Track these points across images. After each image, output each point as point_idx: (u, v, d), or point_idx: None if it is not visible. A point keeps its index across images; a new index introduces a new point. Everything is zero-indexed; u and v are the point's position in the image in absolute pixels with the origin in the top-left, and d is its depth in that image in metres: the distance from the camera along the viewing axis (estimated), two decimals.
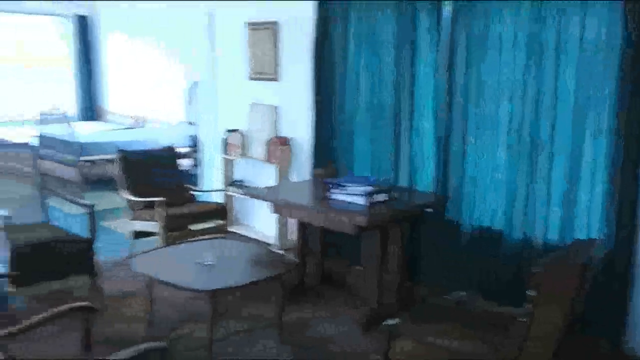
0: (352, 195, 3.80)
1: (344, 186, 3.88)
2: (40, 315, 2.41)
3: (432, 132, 4.28)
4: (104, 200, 6.07)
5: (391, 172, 4.53)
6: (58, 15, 9.57)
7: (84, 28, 9.62)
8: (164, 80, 8.70)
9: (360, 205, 3.71)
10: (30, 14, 9.33)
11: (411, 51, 4.30)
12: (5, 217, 3.78)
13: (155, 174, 5.17)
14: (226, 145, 5.81)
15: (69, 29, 9.65)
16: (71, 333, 2.71)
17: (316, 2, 4.82)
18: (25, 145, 4.90)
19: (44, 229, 4.23)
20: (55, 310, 2.40)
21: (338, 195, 3.87)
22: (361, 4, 4.58)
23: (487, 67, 3.90)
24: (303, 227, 4.39)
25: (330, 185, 3.95)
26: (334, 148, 4.90)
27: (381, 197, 3.83)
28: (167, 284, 3.23)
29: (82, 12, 9.53)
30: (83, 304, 2.47)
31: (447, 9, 4.07)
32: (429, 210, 4.21)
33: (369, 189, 3.79)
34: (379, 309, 3.82)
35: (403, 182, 4.46)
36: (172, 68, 8.53)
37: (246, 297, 4.10)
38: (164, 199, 4.71)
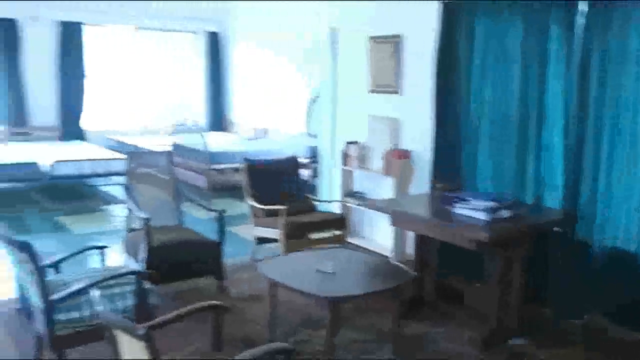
0: (474, 210, 3.72)
1: (465, 200, 3.81)
2: (176, 312, 2.58)
3: (561, 146, 4.10)
4: (228, 206, 6.38)
5: (516, 188, 4.39)
6: (192, 32, 10.23)
7: (214, 44, 10.21)
8: (286, 93, 9.02)
9: (483, 220, 3.63)
10: (168, 30, 10.06)
11: (540, 62, 4.15)
12: (145, 219, 4.09)
13: (278, 183, 5.38)
14: (345, 157, 5.91)
15: (201, 45, 10.28)
16: (198, 331, 2.87)
17: (440, 15, 4.80)
18: (163, 153, 5.26)
19: (179, 232, 4.53)
20: (190, 307, 2.57)
21: (459, 210, 3.81)
22: (488, 14, 4.49)
23: (625, 78, 3.68)
24: (421, 240, 4.36)
25: (452, 199, 3.90)
26: (455, 161, 4.83)
27: (505, 213, 3.72)
28: (290, 289, 3.34)
29: (213, 28, 10.13)
30: (217, 302, 2.62)
31: (580, 17, 3.89)
32: (556, 229, 4.02)
33: (492, 204, 3.70)
34: (499, 328, 3.70)
35: (528, 198, 4.30)
36: (294, 81, 8.82)
37: (361, 308, 4.14)
38: (286, 207, 4.88)
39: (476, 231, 3.50)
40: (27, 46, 8.61)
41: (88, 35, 9.15)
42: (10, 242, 2.93)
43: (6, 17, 8.36)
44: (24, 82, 8.62)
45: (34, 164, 6.81)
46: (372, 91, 5.74)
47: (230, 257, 4.82)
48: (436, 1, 4.79)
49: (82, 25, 9.00)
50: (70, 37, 8.87)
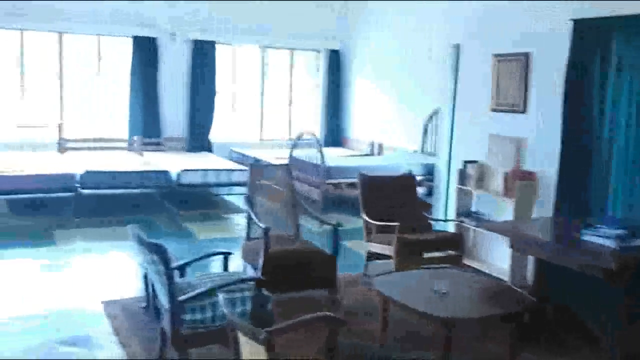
0: (602, 237, 3.52)
1: (593, 227, 3.61)
2: (295, 320, 2.65)
3: None
4: (342, 220, 6.45)
5: None
6: (315, 50, 10.53)
7: (334, 61, 10.43)
8: (403, 109, 9.02)
9: (612, 248, 3.42)
10: (291, 49, 10.43)
11: None
12: (265, 229, 4.25)
13: (393, 200, 5.37)
14: (462, 176, 5.80)
15: (321, 61, 10.55)
16: (308, 340, 2.92)
17: (571, 33, 4.61)
18: (281, 166, 5.46)
19: (295, 242, 4.66)
20: (309, 317, 2.63)
21: (585, 236, 3.62)
22: (623, 31, 4.25)
23: None
24: (542, 265, 4.17)
25: (577, 225, 3.70)
26: (583, 184, 4.58)
27: (637, 242, 3.48)
28: (404, 307, 3.33)
29: (335, 46, 10.36)
30: (334, 315, 2.66)
31: None
32: None
33: (623, 231, 3.47)
34: None
35: None
36: (411, 98, 8.80)
37: (474, 332, 4.02)
38: (400, 224, 4.86)
39: (604, 259, 3.30)
40: (164, 63, 9.27)
41: (220, 54, 9.69)
42: (145, 244, 3.16)
43: (149, 35, 9.05)
44: (160, 96, 9.28)
45: (166, 172, 7.30)
46: (494, 110, 5.60)
47: (342, 270, 4.87)
48: (567, 19, 4.61)
49: (215, 44, 9.53)
50: (203, 55, 9.43)
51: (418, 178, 7.16)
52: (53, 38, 8.85)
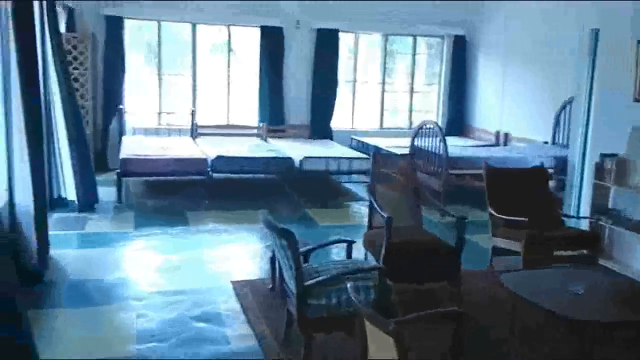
0: None
1: None
2: (421, 313, 2.64)
3: None
4: (464, 212, 6.29)
5: None
6: (439, 36, 10.30)
7: (460, 48, 10.14)
8: (531, 98, 8.60)
9: None
10: (416, 35, 10.28)
11: None
12: (387, 219, 4.24)
13: (522, 193, 5.15)
14: (599, 170, 5.43)
15: (445, 48, 10.30)
16: (431, 332, 2.88)
17: None
18: (404, 156, 5.42)
19: (418, 233, 4.62)
20: (435, 311, 2.61)
21: None
22: None
23: None
24: None
25: None
26: None
27: None
28: (535, 305, 3.19)
29: (459, 32, 10.07)
30: (461, 311, 2.61)
31: None
32: None
33: None
34: None
35: None
36: (541, 86, 8.38)
37: (610, 336, 3.77)
38: (529, 219, 4.65)
39: None
40: (289, 52, 9.49)
41: (342, 42, 9.76)
42: (274, 229, 3.27)
43: (275, 25, 9.32)
44: (284, 84, 9.54)
45: (289, 158, 7.51)
46: (638, 100, 5.18)
47: (465, 264, 4.75)
48: None
49: (339, 33, 9.62)
50: (326, 43, 9.55)
51: (549, 170, 6.83)
52: (187, 28, 9.37)
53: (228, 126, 9.46)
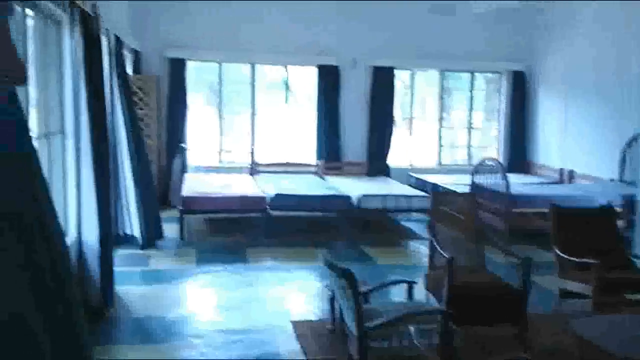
0: None
1: None
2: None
3: None
4: (529, 253, 6.09)
5: None
6: (496, 72, 10.20)
7: (519, 83, 10.00)
8: (596, 134, 8.35)
9: None
10: (473, 71, 10.21)
11: None
12: (449, 259, 4.15)
13: (590, 233, 4.96)
14: None
15: (503, 84, 10.18)
16: None
17: None
18: (464, 194, 5.32)
19: (481, 275, 4.50)
20: (501, 358, 2.51)
21: None
22: None
23: None
24: None
25: None
26: None
27: None
28: (609, 353, 3.02)
29: (518, 68, 9.95)
30: (528, 358, 2.50)
31: None
32: None
33: None
34: None
35: None
36: (605, 121, 8.13)
37: None
38: (599, 261, 4.46)
39: None
40: (346, 89, 9.60)
41: (398, 78, 9.80)
42: (335, 269, 3.26)
43: (332, 63, 9.46)
44: (341, 121, 9.62)
45: (348, 196, 7.50)
46: None
47: (531, 306, 4.57)
48: None
49: (394, 70, 9.67)
50: (382, 80, 9.61)
51: (617, 209, 6.57)
52: (246, 68, 9.63)
53: (286, 164, 9.58)
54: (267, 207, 7.27)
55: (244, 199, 7.31)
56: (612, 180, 8.02)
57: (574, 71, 8.84)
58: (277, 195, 7.30)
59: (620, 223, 6.79)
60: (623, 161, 7.92)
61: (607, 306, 4.28)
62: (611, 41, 7.87)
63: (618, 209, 6.80)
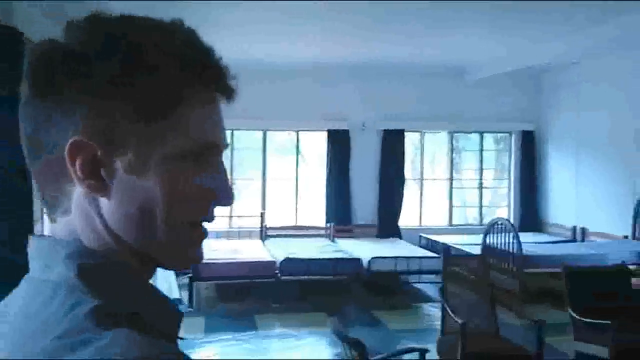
0: None
1: None
2: None
3: None
4: (542, 314, 5.98)
5: None
6: (506, 132, 10.28)
7: (528, 142, 10.05)
8: (607, 191, 8.31)
9: None
10: (481, 132, 10.30)
11: None
12: (461, 324, 4.07)
13: (604, 293, 4.86)
14: None
15: (512, 144, 10.24)
16: None
17: None
18: (478, 255, 5.28)
19: (494, 339, 4.40)
20: None
21: None
22: None
23: None
24: None
25: None
26: None
27: None
28: None
29: (528, 127, 10.03)
30: None
31: None
32: None
33: None
34: None
35: None
36: (615, 177, 8.11)
37: None
38: (613, 321, 4.35)
39: None
40: (356, 153, 9.69)
41: (407, 140, 9.90)
42: (344, 339, 3.21)
43: (342, 128, 9.59)
44: (351, 184, 9.67)
45: (358, 259, 7.45)
46: None
47: None
48: None
49: (404, 132, 9.78)
50: (392, 143, 9.71)
51: (632, 267, 6.45)
52: (257, 135, 9.78)
53: (296, 227, 9.57)
54: (277, 272, 7.22)
55: (253, 265, 7.28)
56: (625, 237, 7.92)
57: (584, 129, 8.88)
58: (287, 259, 7.27)
59: (634, 281, 6.67)
60: (636, 218, 7.84)
61: None
62: (621, 97, 7.93)
63: (632, 267, 6.70)
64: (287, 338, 5.89)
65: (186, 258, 0.69)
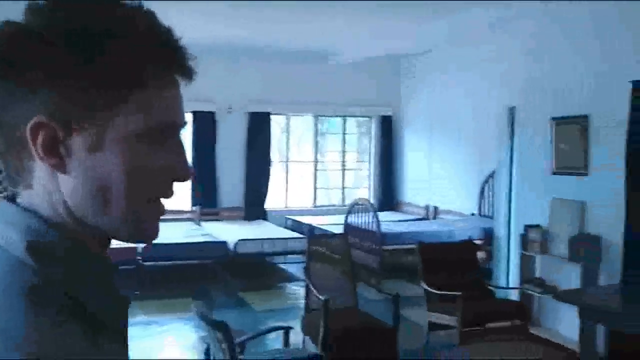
0: None
1: None
2: None
3: None
4: (400, 288, 6.35)
5: None
6: (366, 116, 10.69)
7: (386, 126, 10.53)
8: (458, 172, 8.95)
9: None
10: (343, 116, 10.62)
11: None
12: (324, 301, 4.22)
13: (454, 267, 5.27)
14: (524, 241, 5.64)
15: (373, 127, 10.68)
16: None
17: (630, 95, 4.53)
18: (338, 235, 5.47)
19: (354, 314, 4.60)
20: None
21: None
22: None
23: None
24: (614, 337, 3.97)
25: None
26: None
27: None
28: None
29: (386, 112, 10.49)
30: None
31: None
32: None
33: None
34: None
35: None
36: (466, 160, 8.75)
37: None
38: (462, 293, 4.74)
39: None
40: (222, 135, 9.58)
41: (274, 123, 9.96)
42: (209, 322, 3.19)
43: (208, 110, 9.42)
44: (217, 167, 9.56)
45: (224, 242, 7.41)
46: (555, 173, 5.49)
47: (402, 341, 4.73)
48: (627, 80, 4.55)
49: (270, 115, 9.82)
50: (258, 126, 9.71)
51: (477, 242, 7.04)
52: None
53: None
54: (139, 258, 6.98)
55: (113, 251, 6.94)
56: (472, 214, 8.61)
57: (436, 114, 9.47)
58: (148, 245, 7.04)
59: (481, 255, 7.30)
60: (481, 197, 8.54)
61: (471, 336, 4.54)
62: (469, 85, 8.53)
63: (478, 242, 7.31)
64: (150, 325, 5.73)
65: (143, 233, 0.72)
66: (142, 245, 7.01)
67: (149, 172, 0.68)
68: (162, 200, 0.72)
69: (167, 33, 0.68)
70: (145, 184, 0.68)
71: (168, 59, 0.68)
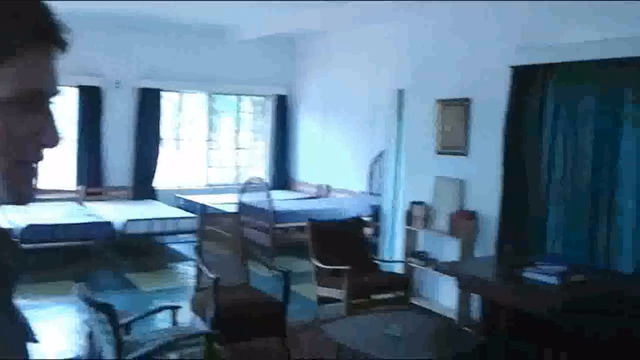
0: (544, 274, 3.64)
1: (535, 264, 3.74)
2: None
3: (634, 209, 3.99)
4: (292, 265, 6.47)
5: (586, 252, 4.27)
6: (261, 95, 10.64)
7: (281, 106, 10.55)
8: (349, 151, 9.17)
9: (554, 285, 3.54)
10: (238, 94, 10.51)
11: (613, 125, 4.11)
12: (214, 279, 4.20)
13: (342, 243, 5.42)
14: (409, 217, 5.91)
15: (267, 106, 10.66)
16: None
17: (510, 79, 4.83)
18: (230, 213, 5.45)
19: (245, 291, 4.62)
20: None
21: (528, 274, 3.74)
22: (560, 79, 4.51)
23: None
24: (488, 305, 4.28)
25: (520, 263, 3.83)
26: (523, 224, 4.76)
27: (577, 277, 3.63)
28: (359, 353, 3.34)
29: (281, 92, 10.50)
30: None
31: None
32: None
33: (563, 268, 3.61)
34: None
35: (598, 263, 4.17)
36: (357, 140, 8.98)
37: None
38: (349, 267, 4.90)
39: (546, 296, 3.42)
40: (109, 112, 9.15)
41: (165, 101, 9.65)
42: (91, 303, 3.08)
43: (92, 84, 8.94)
44: (104, 145, 9.13)
45: (109, 223, 7.13)
46: (440, 152, 5.77)
47: (293, 316, 4.84)
48: (507, 65, 4.84)
49: (161, 92, 9.50)
50: (149, 102, 9.37)
51: (366, 219, 7.28)
52: None
53: (40, 191, 8.74)
54: (18, 240, 6.55)
55: None
56: (362, 192, 8.87)
57: (329, 95, 9.61)
58: (30, 226, 6.64)
59: (370, 231, 7.56)
60: (371, 176, 8.81)
61: (357, 308, 4.71)
62: (362, 67, 8.71)
63: (367, 219, 7.56)
64: (28, 310, 5.42)
65: (16, 194, 0.75)
66: (21, 226, 6.62)
67: (16, 135, 0.70)
68: (36, 165, 0.77)
69: (42, 4, 0.71)
70: (14, 148, 0.71)
71: (39, 28, 0.71)
